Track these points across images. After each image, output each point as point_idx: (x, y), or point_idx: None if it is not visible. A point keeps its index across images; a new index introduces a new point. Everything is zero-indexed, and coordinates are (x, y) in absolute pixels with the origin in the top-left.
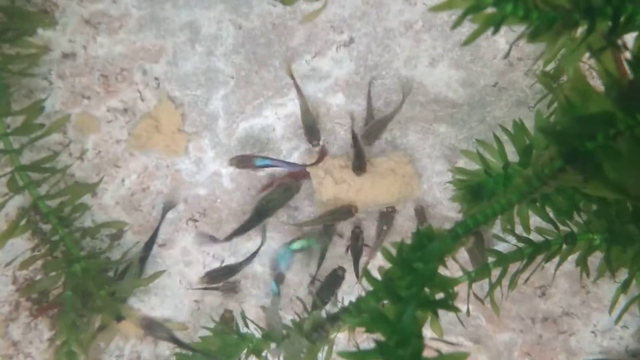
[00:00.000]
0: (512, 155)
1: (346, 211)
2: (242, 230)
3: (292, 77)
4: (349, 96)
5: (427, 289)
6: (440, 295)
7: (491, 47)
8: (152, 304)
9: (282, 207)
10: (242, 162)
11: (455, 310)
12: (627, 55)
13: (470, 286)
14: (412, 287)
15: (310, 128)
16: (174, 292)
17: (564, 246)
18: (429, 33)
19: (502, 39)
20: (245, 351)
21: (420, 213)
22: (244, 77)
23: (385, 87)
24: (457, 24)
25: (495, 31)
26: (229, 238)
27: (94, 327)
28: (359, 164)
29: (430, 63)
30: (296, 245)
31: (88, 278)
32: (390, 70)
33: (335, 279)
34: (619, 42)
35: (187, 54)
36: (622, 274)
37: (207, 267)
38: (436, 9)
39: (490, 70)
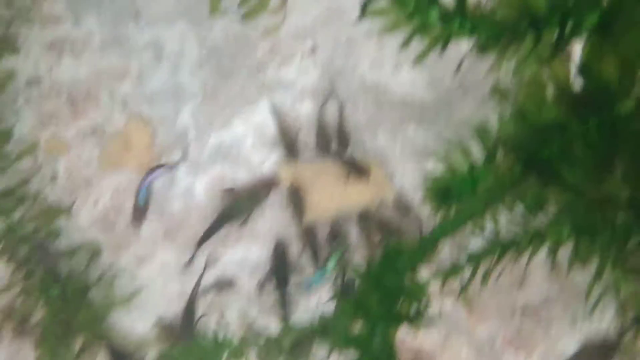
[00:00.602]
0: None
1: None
2: (207, 234)
3: None
4: (317, 103)
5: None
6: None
7: (455, 48)
8: (133, 318)
9: (251, 212)
10: None
11: (428, 322)
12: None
13: (443, 285)
14: (383, 303)
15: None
16: (154, 308)
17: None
18: (392, 37)
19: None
20: (224, 357)
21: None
22: (211, 90)
23: (351, 92)
24: (405, 44)
25: (444, 48)
26: (199, 244)
27: (75, 349)
28: (356, 168)
29: (395, 66)
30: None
31: (66, 301)
32: (355, 76)
33: (280, 255)
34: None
35: (152, 72)
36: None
37: (187, 280)
38: (384, 30)
39: (454, 70)
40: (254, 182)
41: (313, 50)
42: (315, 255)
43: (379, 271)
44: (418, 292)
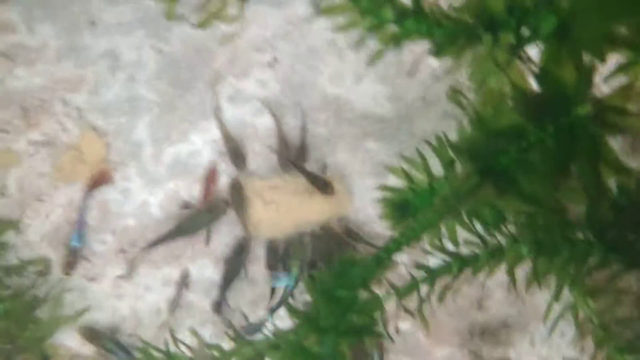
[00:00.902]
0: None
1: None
2: (158, 242)
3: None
4: (277, 116)
5: (351, 317)
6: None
7: (415, 60)
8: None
9: (207, 227)
10: None
11: (380, 336)
12: (533, 67)
13: (398, 303)
14: (333, 316)
15: (235, 151)
16: (106, 327)
17: (494, 258)
18: (353, 49)
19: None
20: None
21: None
22: (168, 102)
23: (311, 105)
24: (359, 43)
25: (397, 47)
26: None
27: None
28: (320, 184)
29: (356, 79)
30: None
31: (11, 318)
32: (316, 89)
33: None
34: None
35: (108, 82)
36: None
37: (139, 299)
38: (339, 29)
39: (416, 85)
40: (212, 198)
41: (273, 62)
42: (272, 270)
43: (331, 284)
44: (371, 308)
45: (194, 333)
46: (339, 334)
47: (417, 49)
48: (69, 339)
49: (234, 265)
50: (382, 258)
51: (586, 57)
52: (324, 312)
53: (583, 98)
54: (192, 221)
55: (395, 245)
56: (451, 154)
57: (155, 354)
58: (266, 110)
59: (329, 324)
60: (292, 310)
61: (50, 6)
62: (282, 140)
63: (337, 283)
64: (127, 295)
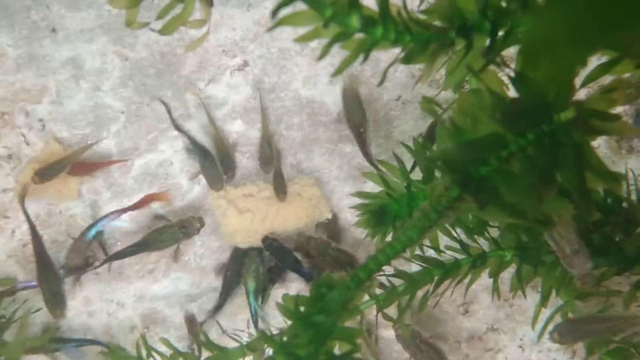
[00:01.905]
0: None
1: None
2: (119, 255)
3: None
4: (248, 122)
5: (331, 344)
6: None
7: (392, 60)
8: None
9: (178, 243)
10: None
11: None
12: (509, 72)
13: (378, 312)
14: (312, 344)
15: (226, 159)
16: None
17: (477, 264)
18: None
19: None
20: None
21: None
22: (135, 111)
23: (285, 109)
24: (323, 54)
25: (365, 58)
26: (105, 261)
27: None
28: (280, 186)
29: (330, 81)
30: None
31: None
32: (289, 92)
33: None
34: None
35: (71, 92)
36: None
37: (112, 315)
38: (300, 39)
39: (392, 84)
40: (185, 209)
41: (243, 66)
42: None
43: (308, 308)
44: (351, 334)
45: (166, 342)
46: None
47: (394, 50)
48: (40, 358)
49: (233, 274)
50: (362, 279)
51: (566, 61)
52: (302, 339)
53: (564, 103)
54: (161, 235)
55: (375, 264)
56: (430, 159)
57: None
58: (238, 116)
59: (307, 353)
60: (267, 339)
61: (7, 14)
62: (262, 147)
63: (314, 307)
64: (98, 312)
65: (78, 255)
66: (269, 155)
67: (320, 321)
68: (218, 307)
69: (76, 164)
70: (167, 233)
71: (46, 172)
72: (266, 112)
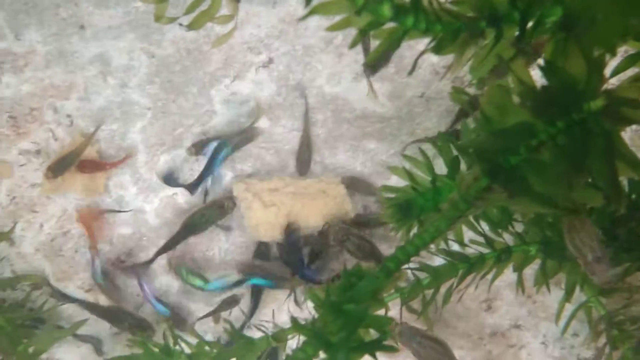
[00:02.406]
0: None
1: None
2: (167, 247)
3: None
4: (273, 119)
5: (360, 331)
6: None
7: (415, 56)
8: (82, 353)
9: (213, 225)
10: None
11: (392, 350)
12: (540, 61)
13: (402, 305)
14: (343, 331)
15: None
16: (104, 339)
17: (501, 259)
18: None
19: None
20: None
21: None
22: (161, 107)
23: (309, 106)
24: (354, 43)
25: (397, 47)
26: (154, 258)
27: None
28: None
29: (354, 78)
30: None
31: (4, 334)
32: (313, 89)
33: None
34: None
35: (99, 88)
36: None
37: (140, 310)
38: (332, 28)
39: (416, 81)
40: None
41: (268, 63)
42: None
43: (338, 296)
44: (381, 322)
45: (193, 332)
46: (351, 349)
47: (417, 44)
48: (66, 354)
49: (261, 270)
50: (391, 269)
51: (596, 50)
52: (334, 327)
53: (594, 92)
54: (202, 217)
55: (404, 255)
56: (455, 152)
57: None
58: (262, 112)
59: (339, 340)
60: (299, 326)
61: (36, 11)
62: (304, 149)
63: (345, 296)
64: (124, 305)
65: None
66: (307, 159)
67: (350, 309)
68: (253, 309)
69: (84, 161)
70: (208, 213)
71: (57, 167)
72: (308, 115)
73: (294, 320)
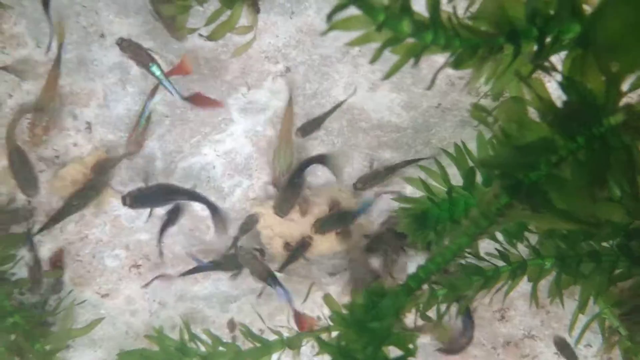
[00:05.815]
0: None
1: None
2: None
3: None
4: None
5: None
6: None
7: (432, 67)
8: (98, 356)
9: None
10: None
11: None
12: (557, 77)
13: (417, 315)
14: (368, 348)
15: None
16: (120, 344)
17: (516, 273)
18: (367, 58)
19: (443, 58)
20: None
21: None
22: (179, 115)
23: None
24: (375, 58)
25: (416, 62)
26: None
27: None
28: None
29: (371, 88)
30: None
31: (20, 332)
32: (329, 98)
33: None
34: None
35: (118, 96)
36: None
37: (154, 314)
38: (353, 43)
39: (432, 92)
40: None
41: (285, 72)
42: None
43: (362, 314)
44: (405, 339)
45: (207, 332)
46: None
47: (434, 55)
48: (83, 357)
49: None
50: (412, 287)
51: (614, 66)
52: (358, 344)
53: (614, 106)
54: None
55: (426, 273)
56: (471, 164)
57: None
58: (279, 122)
59: (365, 358)
60: (324, 344)
61: (57, 19)
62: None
63: (369, 315)
64: (141, 310)
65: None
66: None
67: (375, 327)
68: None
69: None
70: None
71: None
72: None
73: (319, 339)
